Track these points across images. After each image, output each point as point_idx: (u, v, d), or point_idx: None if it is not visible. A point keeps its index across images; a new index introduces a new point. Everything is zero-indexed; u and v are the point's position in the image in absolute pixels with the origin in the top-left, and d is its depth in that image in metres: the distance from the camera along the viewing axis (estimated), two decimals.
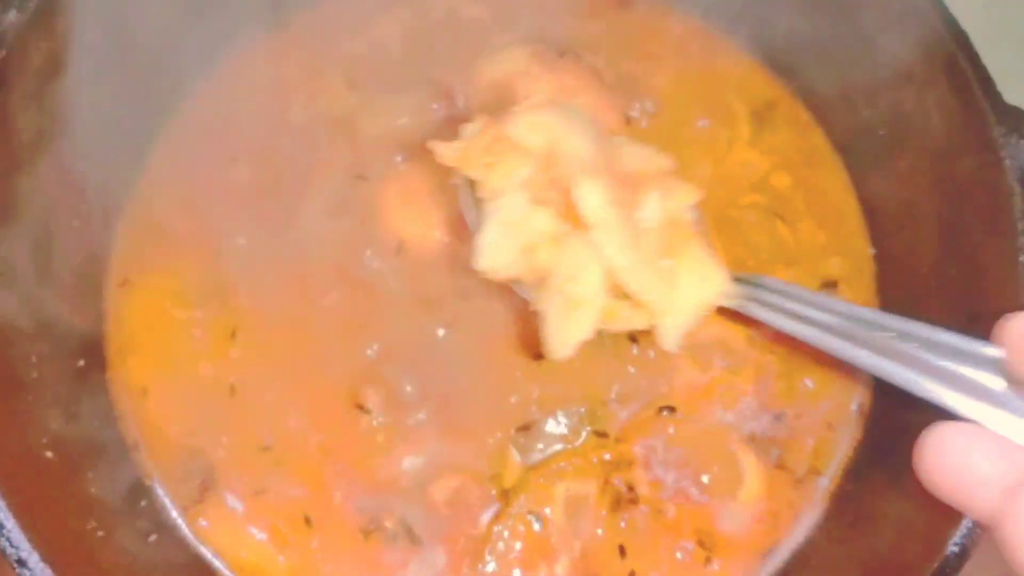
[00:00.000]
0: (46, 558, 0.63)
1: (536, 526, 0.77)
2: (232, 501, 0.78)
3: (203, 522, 0.78)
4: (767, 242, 0.89)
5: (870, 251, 0.89)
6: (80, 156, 0.81)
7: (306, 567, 0.77)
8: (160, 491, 0.79)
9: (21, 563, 0.62)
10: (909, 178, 0.85)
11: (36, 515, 0.65)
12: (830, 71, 0.91)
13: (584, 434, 0.80)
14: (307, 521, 0.78)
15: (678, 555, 0.78)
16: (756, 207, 0.90)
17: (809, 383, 0.83)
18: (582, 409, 0.80)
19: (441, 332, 0.83)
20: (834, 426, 0.82)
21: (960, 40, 0.78)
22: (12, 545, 0.62)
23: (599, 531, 0.78)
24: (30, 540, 0.63)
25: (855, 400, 0.83)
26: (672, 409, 0.81)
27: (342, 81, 0.93)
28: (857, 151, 0.91)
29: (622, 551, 0.77)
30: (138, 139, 0.89)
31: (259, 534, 0.78)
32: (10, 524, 0.63)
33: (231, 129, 0.90)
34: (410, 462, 0.78)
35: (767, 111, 0.94)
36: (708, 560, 0.78)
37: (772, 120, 0.94)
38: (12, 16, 0.76)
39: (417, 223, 0.86)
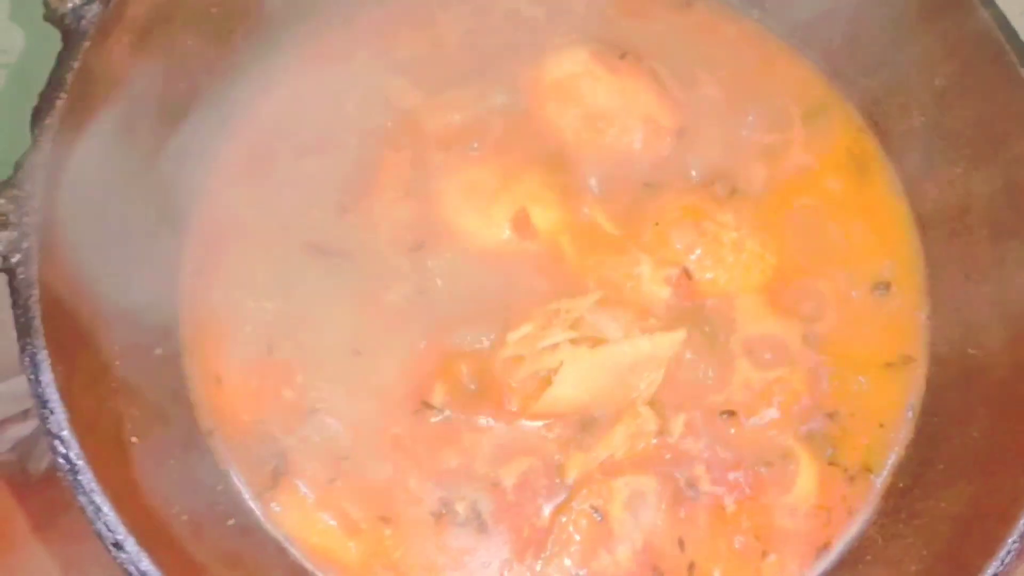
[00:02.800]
0: (141, 542, 0.65)
1: (597, 518, 0.80)
2: (304, 488, 0.81)
3: (276, 507, 0.81)
4: (819, 244, 0.91)
5: (922, 255, 0.90)
6: (155, 150, 0.84)
7: (377, 553, 0.80)
8: (235, 477, 0.82)
9: (118, 546, 0.65)
10: (962, 184, 0.87)
11: (127, 499, 0.67)
12: (885, 76, 0.93)
13: (647, 432, 0.82)
14: (378, 508, 0.80)
15: (736, 546, 0.80)
16: (808, 209, 0.92)
17: (863, 381, 0.85)
18: (644, 409, 0.82)
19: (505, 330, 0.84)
20: (887, 425, 0.85)
21: (1019, 49, 0.80)
22: (109, 529, 0.65)
23: (658, 523, 0.80)
24: (125, 524, 0.65)
25: (909, 399, 0.86)
26: (732, 413, 0.83)
27: (406, 77, 0.95)
28: (910, 156, 0.92)
29: (681, 544, 0.80)
30: (208, 133, 0.91)
31: (330, 520, 0.80)
32: (106, 508, 0.65)
33: (299, 124, 0.92)
34: (479, 450, 0.80)
35: (821, 115, 0.96)
36: (765, 553, 0.80)
37: (826, 124, 0.95)
38: (95, 8, 0.77)
39: (481, 219, 0.88)
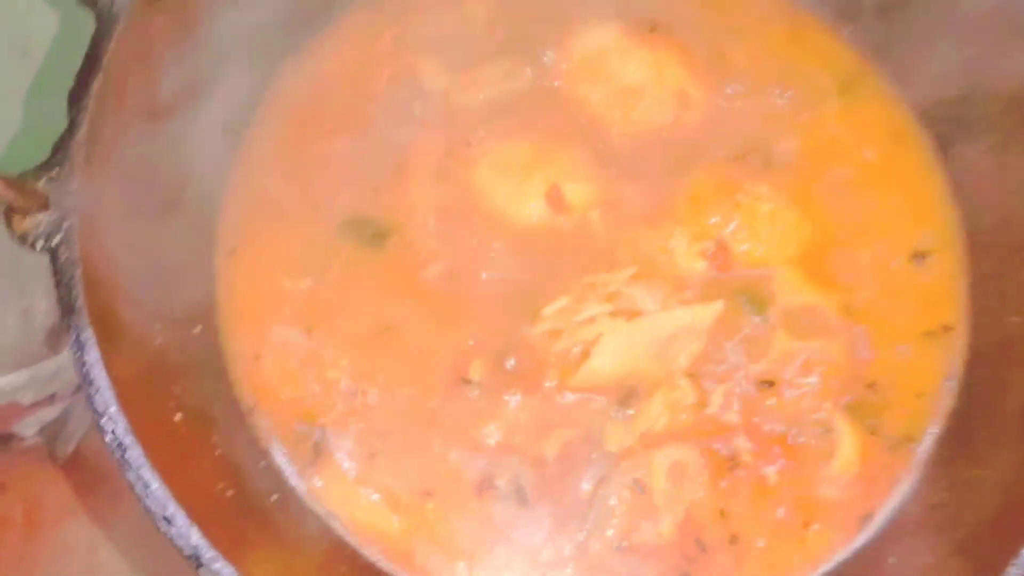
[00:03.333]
0: (191, 516, 0.66)
1: (639, 490, 0.80)
2: (346, 463, 0.81)
3: (318, 482, 0.81)
4: (856, 214, 0.90)
5: (960, 224, 0.90)
6: (189, 128, 0.84)
7: (420, 527, 0.80)
8: (277, 453, 0.82)
9: (168, 521, 0.65)
10: (999, 153, 0.86)
11: (174, 475, 0.68)
12: (918, 45, 0.92)
13: (686, 404, 0.82)
14: (420, 482, 0.80)
15: (778, 516, 0.80)
16: (844, 180, 0.91)
17: (902, 351, 0.85)
18: (683, 381, 0.82)
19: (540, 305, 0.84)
20: (928, 394, 0.84)
21: None
22: (159, 504, 0.65)
23: (700, 495, 0.80)
24: (175, 498, 0.66)
25: (949, 368, 0.85)
26: (771, 383, 0.83)
27: (434, 55, 0.94)
28: (946, 126, 0.91)
29: (723, 515, 0.80)
30: (240, 113, 0.91)
31: (373, 495, 0.81)
32: (156, 484, 0.66)
33: (328, 103, 0.92)
34: (519, 424, 0.81)
35: (854, 85, 0.95)
36: (807, 524, 0.80)
37: (859, 95, 0.95)
38: None
39: (514, 195, 0.88)
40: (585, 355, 0.81)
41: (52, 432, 1.03)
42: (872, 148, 0.93)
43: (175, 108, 0.82)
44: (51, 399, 1.01)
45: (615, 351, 0.81)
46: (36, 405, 1.01)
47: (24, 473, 1.02)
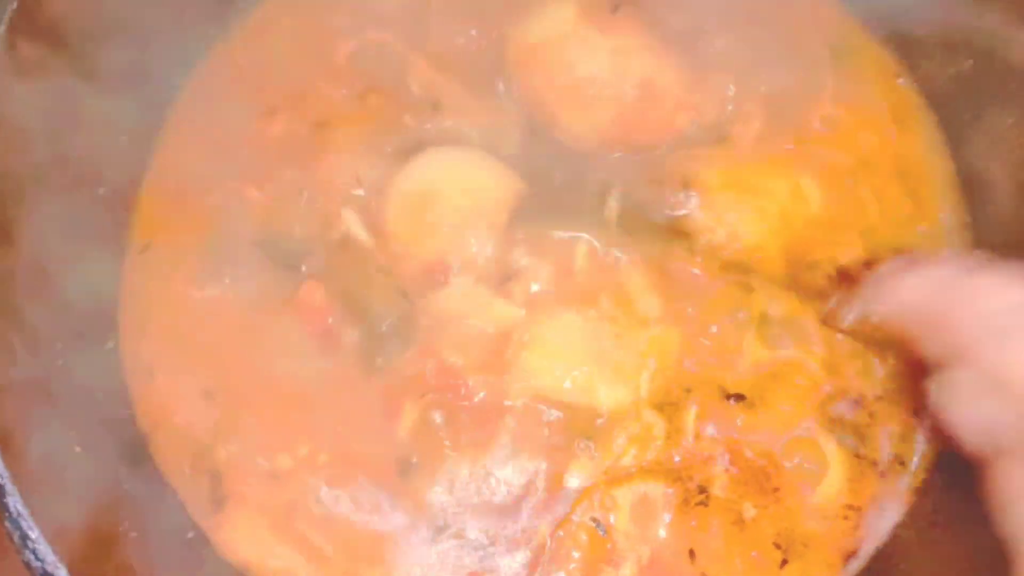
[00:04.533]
0: (75, 569, 0.57)
1: (600, 531, 0.71)
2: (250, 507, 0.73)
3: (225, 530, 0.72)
4: (847, 208, 0.81)
5: (965, 219, 0.81)
6: (102, 114, 0.75)
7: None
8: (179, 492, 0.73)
9: None
10: (1014, 137, 0.77)
11: (66, 517, 0.60)
12: (923, 11, 0.82)
13: (653, 435, 0.73)
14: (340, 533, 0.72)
15: (752, 556, 0.72)
16: (838, 169, 0.82)
17: (890, 364, 0.76)
18: (648, 412, 0.74)
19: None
20: (918, 410, 0.76)
21: None
22: (38, 559, 0.57)
23: (667, 534, 0.72)
24: (57, 552, 0.57)
25: None
26: (740, 397, 0.74)
27: (389, 29, 0.86)
28: (954, 106, 0.82)
29: (692, 555, 0.72)
30: (162, 91, 0.82)
31: (279, 546, 0.72)
32: (35, 535, 0.57)
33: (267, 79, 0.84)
34: (461, 461, 0.73)
35: (850, 59, 0.86)
36: (784, 562, 0.72)
37: (856, 71, 0.85)
38: None
39: (471, 170, 0.80)
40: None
41: None
42: (871, 133, 0.84)
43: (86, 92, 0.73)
44: None
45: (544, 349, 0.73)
46: None
47: None
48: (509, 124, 0.82)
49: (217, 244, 0.78)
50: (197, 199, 0.79)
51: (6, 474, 0.58)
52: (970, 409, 0.61)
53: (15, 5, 0.68)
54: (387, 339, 0.75)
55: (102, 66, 0.75)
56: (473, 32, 0.86)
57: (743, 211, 0.78)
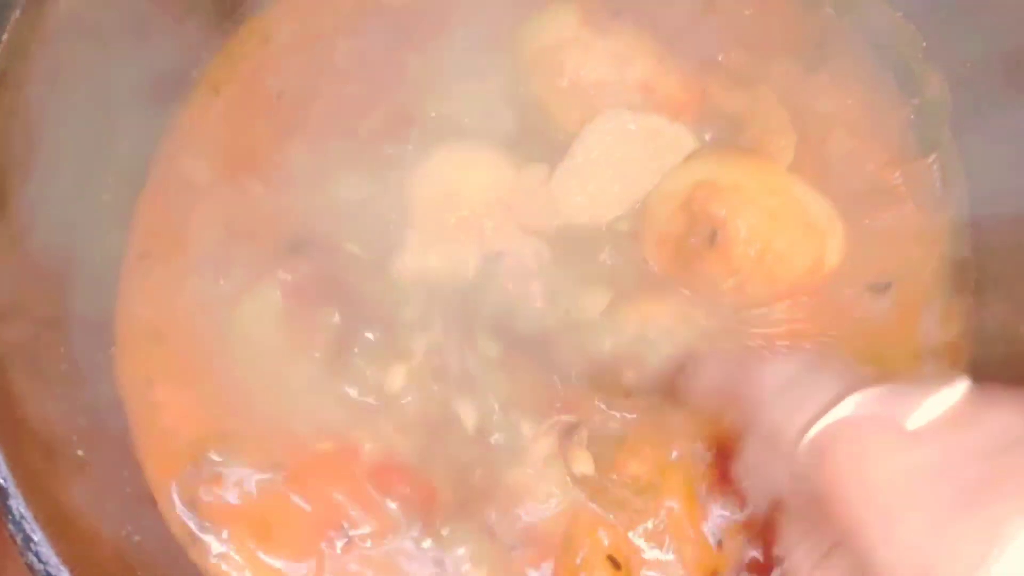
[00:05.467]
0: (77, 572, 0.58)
1: None
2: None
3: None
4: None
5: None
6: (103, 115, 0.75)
7: None
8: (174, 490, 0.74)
9: None
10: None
11: (64, 524, 0.60)
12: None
13: None
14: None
15: None
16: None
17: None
18: None
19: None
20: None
21: None
22: (41, 561, 0.58)
23: None
24: (59, 554, 0.58)
25: None
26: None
27: (390, 28, 0.86)
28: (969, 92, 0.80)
29: None
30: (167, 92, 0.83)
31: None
32: (37, 537, 0.58)
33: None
34: None
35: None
36: None
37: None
38: None
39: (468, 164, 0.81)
40: None
41: None
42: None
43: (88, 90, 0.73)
44: None
45: None
46: None
47: None
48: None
49: (218, 250, 0.78)
50: (197, 205, 0.80)
51: (9, 476, 0.58)
52: (756, 472, 0.63)
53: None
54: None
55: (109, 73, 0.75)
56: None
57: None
